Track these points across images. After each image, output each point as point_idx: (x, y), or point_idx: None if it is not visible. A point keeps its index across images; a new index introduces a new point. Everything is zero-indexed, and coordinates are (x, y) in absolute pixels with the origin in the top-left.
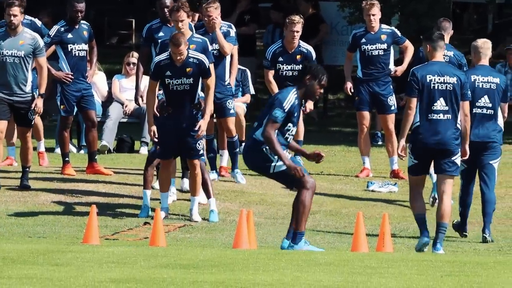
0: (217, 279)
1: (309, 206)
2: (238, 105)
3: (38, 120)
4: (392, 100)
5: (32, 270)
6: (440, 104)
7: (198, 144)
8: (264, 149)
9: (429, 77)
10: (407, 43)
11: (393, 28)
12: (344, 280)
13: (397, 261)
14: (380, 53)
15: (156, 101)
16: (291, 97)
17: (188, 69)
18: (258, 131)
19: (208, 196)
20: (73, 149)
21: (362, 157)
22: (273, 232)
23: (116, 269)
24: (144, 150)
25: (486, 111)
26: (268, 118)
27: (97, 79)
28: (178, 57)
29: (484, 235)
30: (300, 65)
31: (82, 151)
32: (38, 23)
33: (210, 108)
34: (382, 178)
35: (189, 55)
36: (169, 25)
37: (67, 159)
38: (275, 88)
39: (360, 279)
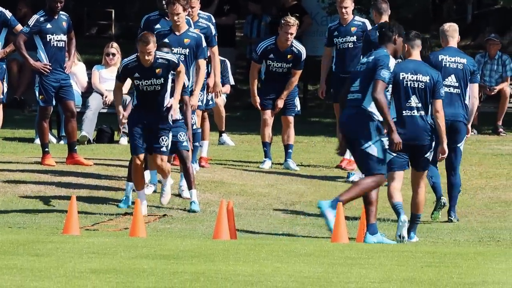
0: (197, 270)
1: (369, 193)
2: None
3: None
4: None
5: (12, 261)
6: (414, 101)
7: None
8: (370, 121)
9: (403, 74)
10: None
11: (365, 20)
12: (324, 271)
13: (377, 252)
14: (349, 46)
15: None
16: (390, 57)
17: (157, 70)
18: (366, 100)
19: (190, 187)
20: (53, 139)
21: None
22: (253, 222)
23: (96, 259)
24: (124, 141)
25: (453, 90)
26: (376, 79)
27: (77, 69)
28: (146, 57)
29: (450, 217)
30: (290, 64)
31: (62, 142)
32: (8, 14)
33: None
34: None
35: (157, 56)
36: (167, 18)
37: (46, 149)
38: (253, 84)
39: (340, 270)
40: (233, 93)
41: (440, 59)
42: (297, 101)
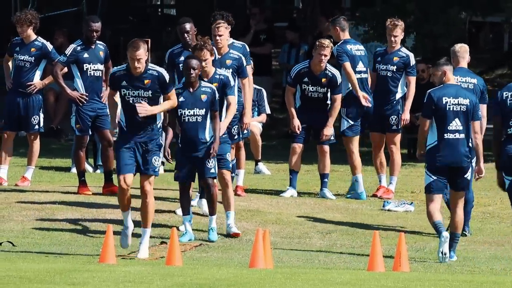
0: None
1: None
2: (254, 124)
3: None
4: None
5: None
6: (456, 124)
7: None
8: None
9: (445, 99)
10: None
11: (410, 54)
12: None
13: (413, 280)
14: (388, 74)
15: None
16: None
17: (146, 81)
18: None
19: (212, 213)
20: (89, 168)
21: (378, 175)
22: (289, 251)
23: None
24: (161, 170)
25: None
26: None
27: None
28: (136, 64)
29: (464, 231)
30: (325, 89)
31: (98, 171)
32: (49, 47)
33: (223, 129)
34: (398, 197)
35: (149, 67)
36: (189, 49)
37: (83, 178)
38: (290, 106)
39: None
40: (269, 122)
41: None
42: (332, 130)
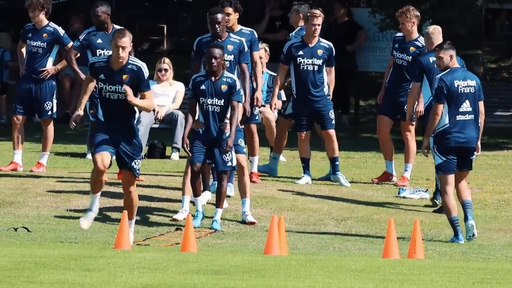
0: (248, 285)
1: None
2: (269, 111)
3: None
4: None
5: (64, 275)
6: (466, 106)
7: (135, 163)
8: None
9: (456, 82)
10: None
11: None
12: (375, 287)
13: (428, 268)
14: (404, 64)
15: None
16: None
17: (124, 76)
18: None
19: (218, 206)
20: None
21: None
22: (304, 238)
23: (147, 274)
24: (175, 156)
25: None
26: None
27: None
28: (120, 52)
29: (435, 200)
30: (321, 60)
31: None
32: (61, 32)
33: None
34: (413, 184)
35: (130, 60)
36: (219, 40)
37: None
38: (277, 87)
39: (391, 286)
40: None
41: (432, 61)
42: (332, 114)
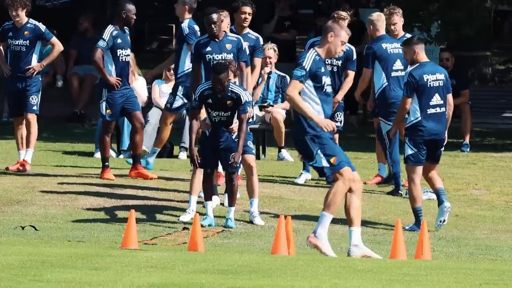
0: (255, 285)
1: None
2: (278, 111)
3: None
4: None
5: (71, 274)
6: (436, 99)
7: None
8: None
9: (426, 76)
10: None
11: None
12: (382, 287)
13: (435, 269)
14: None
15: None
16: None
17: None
18: None
19: (231, 204)
20: (112, 153)
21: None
22: None
23: (154, 273)
24: (183, 155)
25: (400, 73)
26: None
27: (137, 84)
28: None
29: (400, 192)
30: (340, 61)
31: (121, 156)
32: (42, 27)
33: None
34: (421, 185)
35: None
36: (217, 40)
37: (107, 163)
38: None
39: (398, 287)
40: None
41: (384, 48)
42: (338, 117)
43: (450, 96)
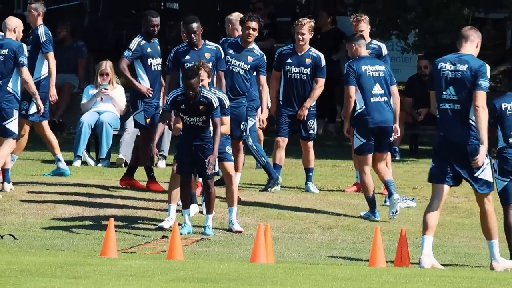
0: None
1: None
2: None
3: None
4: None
5: (50, 283)
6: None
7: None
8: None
9: (364, 67)
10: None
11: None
12: None
13: (414, 276)
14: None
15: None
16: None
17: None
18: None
19: (208, 212)
20: (90, 162)
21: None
22: (291, 246)
23: (133, 282)
24: (162, 164)
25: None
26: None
27: (115, 92)
28: None
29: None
30: (309, 69)
31: (100, 164)
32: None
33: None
34: (400, 193)
35: None
36: (196, 48)
37: (152, 174)
38: (274, 93)
39: None
40: (270, 116)
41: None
42: (311, 125)
43: (394, 88)
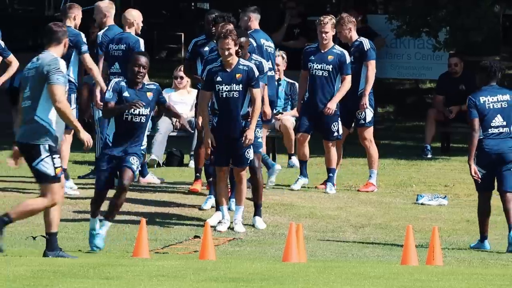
0: None
1: None
2: (287, 118)
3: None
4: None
5: (83, 284)
6: None
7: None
8: None
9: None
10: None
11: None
12: None
13: (447, 274)
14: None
15: None
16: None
17: None
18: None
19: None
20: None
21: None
22: (323, 245)
23: (166, 282)
24: (193, 164)
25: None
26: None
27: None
28: None
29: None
30: (331, 66)
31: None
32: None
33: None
34: (432, 191)
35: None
36: (215, 40)
37: (198, 174)
38: (302, 93)
39: None
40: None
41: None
42: (334, 126)
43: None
